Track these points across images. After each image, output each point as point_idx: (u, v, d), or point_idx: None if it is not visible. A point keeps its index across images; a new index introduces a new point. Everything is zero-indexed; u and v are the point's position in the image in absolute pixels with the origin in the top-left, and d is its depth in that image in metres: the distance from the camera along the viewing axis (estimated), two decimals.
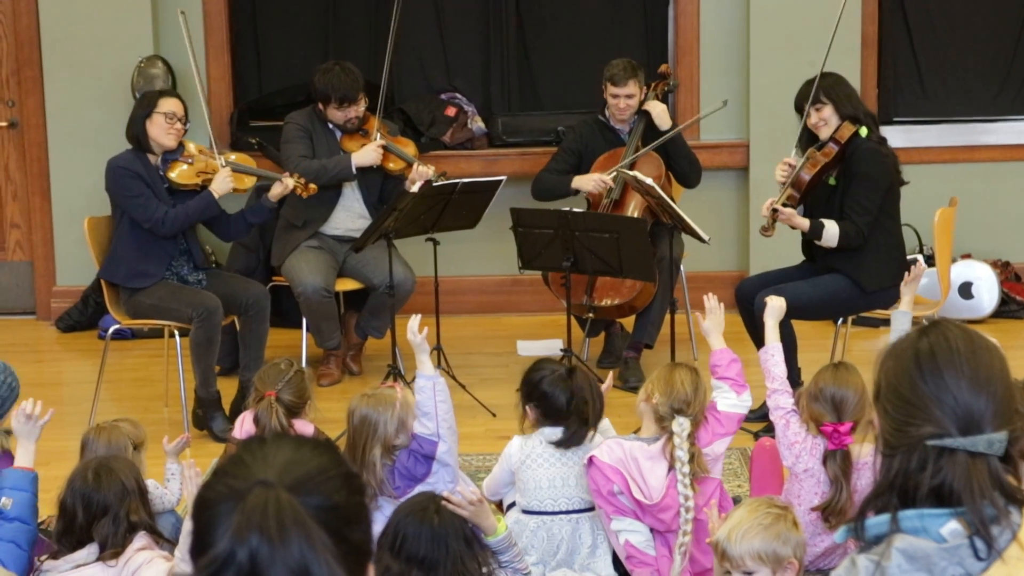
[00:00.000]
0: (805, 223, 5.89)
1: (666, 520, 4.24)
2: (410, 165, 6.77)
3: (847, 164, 5.91)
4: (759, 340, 5.97)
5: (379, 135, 6.83)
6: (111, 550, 3.81)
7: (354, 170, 6.74)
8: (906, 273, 5.10)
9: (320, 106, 6.86)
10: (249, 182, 6.40)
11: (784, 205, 5.90)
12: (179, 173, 6.22)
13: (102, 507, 3.83)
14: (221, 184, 6.18)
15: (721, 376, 4.49)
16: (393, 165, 6.84)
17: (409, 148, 6.95)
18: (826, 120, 5.95)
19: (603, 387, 4.66)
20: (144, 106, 6.16)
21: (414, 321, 4.59)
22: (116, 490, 3.84)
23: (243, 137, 7.91)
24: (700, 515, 4.24)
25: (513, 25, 8.27)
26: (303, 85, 8.15)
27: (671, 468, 4.23)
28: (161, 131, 6.11)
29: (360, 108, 6.84)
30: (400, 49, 8.28)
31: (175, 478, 4.51)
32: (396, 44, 8.15)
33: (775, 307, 4.71)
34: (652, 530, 4.31)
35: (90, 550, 3.83)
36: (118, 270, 6.17)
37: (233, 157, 6.52)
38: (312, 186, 6.47)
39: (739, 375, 4.49)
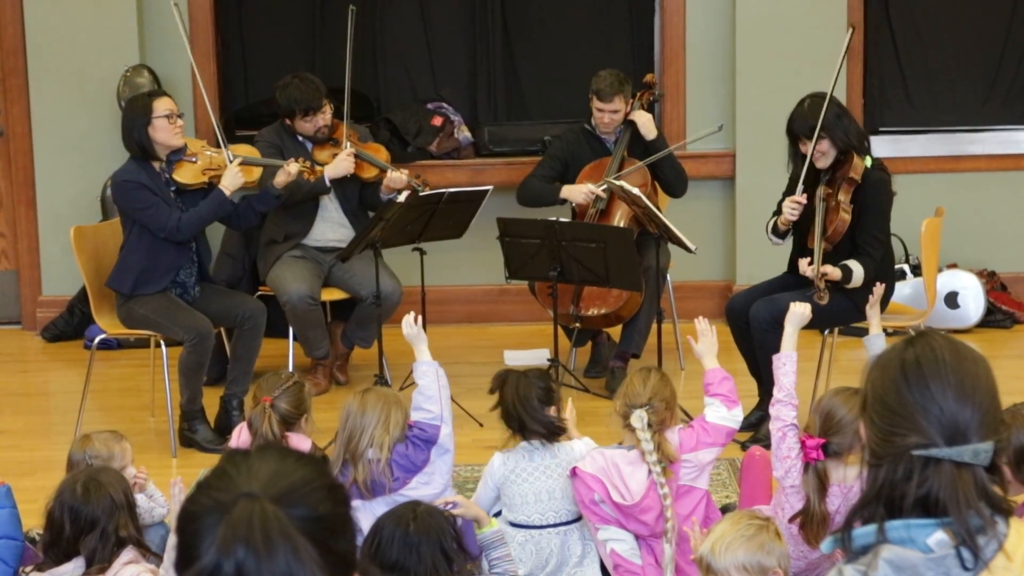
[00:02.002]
0: (839, 273, 5.85)
1: (649, 522, 4.26)
2: (384, 171, 6.76)
3: (858, 195, 5.87)
4: (750, 356, 5.99)
5: (349, 143, 6.80)
6: (97, 566, 3.78)
7: (328, 183, 6.72)
8: (870, 295, 5.09)
9: (287, 121, 6.85)
10: (256, 173, 6.32)
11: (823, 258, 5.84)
12: (185, 173, 6.15)
13: (90, 521, 3.80)
14: (232, 180, 6.10)
15: (713, 393, 4.51)
16: (367, 173, 6.82)
17: (381, 154, 6.92)
18: (824, 152, 5.91)
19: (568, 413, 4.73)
20: (139, 113, 6.03)
21: (409, 316, 4.69)
22: (105, 505, 3.81)
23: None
24: (686, 524, 4.25)
25: (499, 35, 8.28)
26: None
27: (651, 471, 4.26)
28: (167, 134, 6.02)
29: (327, 115, 6.83)
30: (386, 58, 8.28)
31: (155, 499, 4.49)
32: (376, 54, 8.19)
33: (798, 314, 4.68)
34: (637, 538, 4.32)
35: (76, 564, 3.80)
36: (125, 280, 6.08)
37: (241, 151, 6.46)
38: (319, 168, 6.48)
39: (731, 391, 4.51)
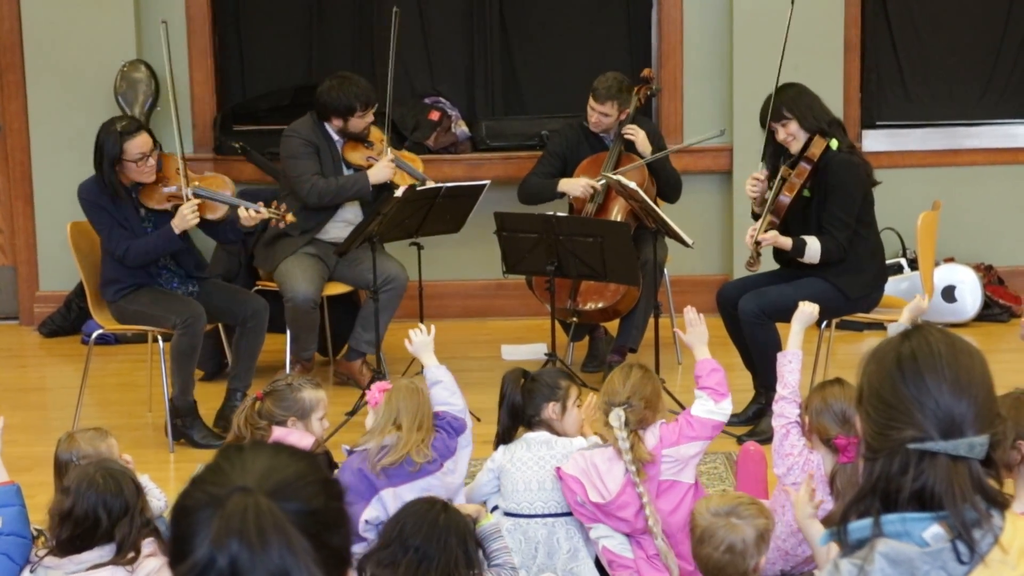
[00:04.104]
0: (788, 242, 5.89)
1: (628, 519, 4.28)
2: (420, 182, 6.63)
3: (821, 176, 5.90)
4: (741, 344, 6.02)
5: (389, 150, 6.74)
6: (131, 552, 3.81)
7: (371, 188, 6.68)
8: (917, 296, 5.05)
9: (336, 120, 6.72)
10: (221, 210, 6.14)
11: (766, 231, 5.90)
12: (151, 197, 6.10)
13: (123, 507, 3.83)
14: (181, 220, 5.96)
15: (702, 386, 4.52)
16: (404, 182, 6.70)
17: (417, 164, 6.87)
18: (793, 135, 5.95)
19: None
20: (110, 151, 5.94)
21: (419, 329, 4.75)
22: (130, 488, 3.86)
23: (227, 142, 7.90)
24: (669, 518, 4.28)
25: (497, 29, 8.27)
26: (287, 89, 8.14)
27: (627, 469, 4.30)
28: (135, 174, 5.99)
29: (372, 114, 6.78)
30: (383, 53, 8.26)
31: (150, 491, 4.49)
32: (374, 49, 8.19)
33: (806, 313, 4.68)
34: (628, 535, 4.34)
35: (101, 552, 3.83)
36: (109, 290, 6.13)
37: (208, 177, 6.34)
38: (289, 216, 6.19)
39: (719, 384, 4.50)
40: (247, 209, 6.05)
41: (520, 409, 4.58)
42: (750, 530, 3.58)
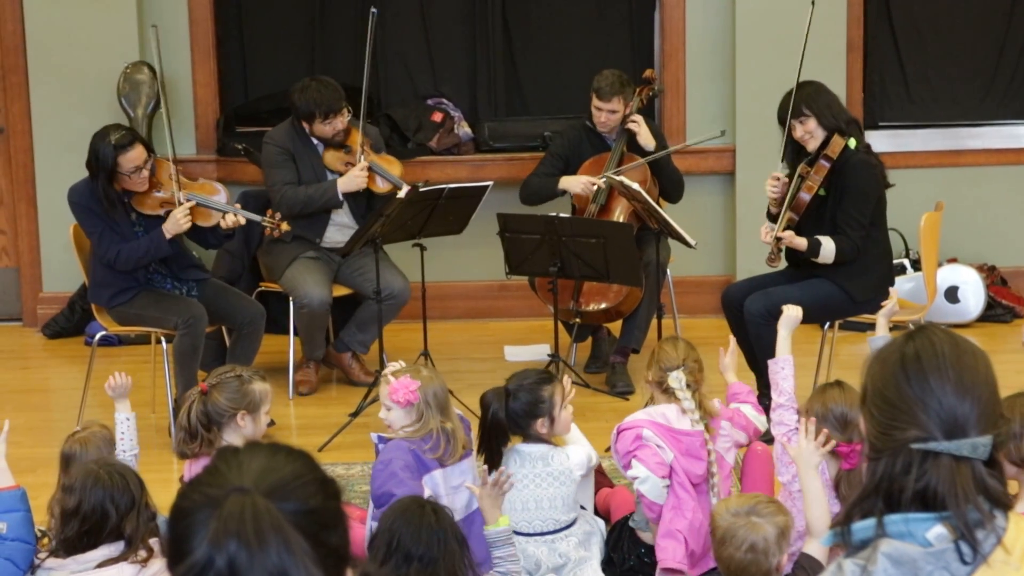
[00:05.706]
0: (803, 243, 5.89)
1: (703, 458, 4.37)
2: (397, 188, 6.57)
3: (838, 176, 5.90)
4: (747, 346, 6.01)
5: (363, 155, 6.70)
6: (140, 547, 3.82)
7: (340, 198, 6.67)
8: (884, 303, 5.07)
9: (304, 124, 6.75)
10: (215, 217, 6.15)
11: (784, 228, 5.91)
12: (143, 202, 6.11)
13: (130, 502, 3.86)
14: (174, 225, 6.01)
15: (743, 400, 4.70)
16: (379, 188, 6.72)
17: (395, 168, 6.81)
18: (811, 132, 5.94)
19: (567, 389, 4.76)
20: (105, 162, 5.97)
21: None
22: (135, 481, 3.89)
23: (229, 143, 7.90)
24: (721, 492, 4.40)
25: (499, 30, 8.27)
26: (289, 91, 8.13)
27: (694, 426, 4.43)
28: (128, 184, 6.02)
29: (345, 119, 6.74)
30: (386, 55, 8.27)
31: (126, 426, 4.51)
32: (376, 51, 8.17)
33: (791, 317, 4.71)
34: (670, 486, 4.39)
35: (110, 548, 3.83)
36: (102, 294, 6.15)
37: (202, 184, 6.33)
38: (284, 225, 6.27)
39: (756, 404, 4.72)
40: (230, 213, 6.10)
41: (504, 430, 4.57)
42: (771, 528, 3.62)
